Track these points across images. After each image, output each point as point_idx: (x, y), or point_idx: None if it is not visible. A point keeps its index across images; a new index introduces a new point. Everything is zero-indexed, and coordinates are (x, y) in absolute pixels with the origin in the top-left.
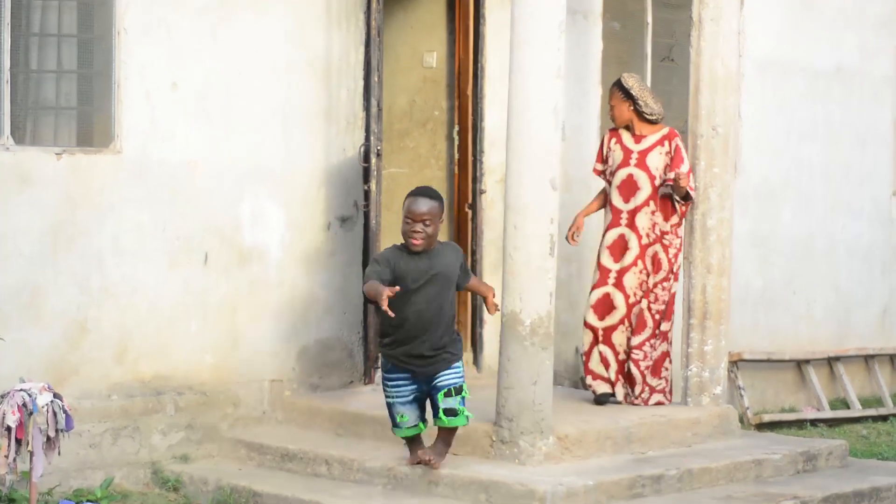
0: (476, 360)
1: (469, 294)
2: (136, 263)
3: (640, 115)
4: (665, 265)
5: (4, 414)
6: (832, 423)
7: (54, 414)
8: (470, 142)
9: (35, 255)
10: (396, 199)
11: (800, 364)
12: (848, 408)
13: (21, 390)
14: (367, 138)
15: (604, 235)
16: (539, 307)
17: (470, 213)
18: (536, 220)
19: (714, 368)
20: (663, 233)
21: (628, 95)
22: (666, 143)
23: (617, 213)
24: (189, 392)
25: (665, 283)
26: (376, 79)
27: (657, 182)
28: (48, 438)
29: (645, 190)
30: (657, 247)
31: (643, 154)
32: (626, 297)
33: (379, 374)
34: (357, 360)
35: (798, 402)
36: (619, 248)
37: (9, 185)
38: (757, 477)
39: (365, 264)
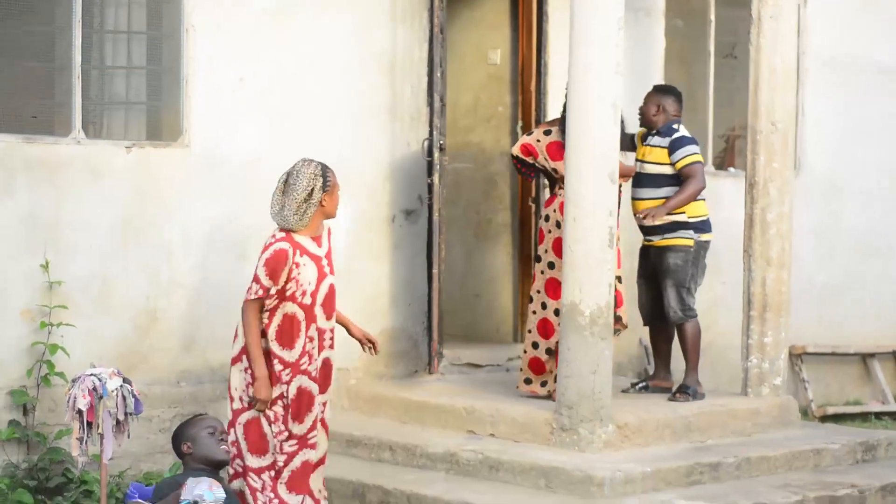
0: None
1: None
2: (203, 255)
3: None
4: None
5: (76, 397)
6: None
7: (123, 398)
8: None
9: (105, 247)
10: (462, 193)
11: (865, 357)
12: None
13: (91, 375)
14: (431, 133)
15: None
16: (598, 298)
17: (533, 206)
18: (595, 213)
19: (774, 360)
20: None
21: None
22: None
23: (322, 335)
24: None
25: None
26: (439, 75)
27: None
28: (118, 422)
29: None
30: None
31: (329, 257)
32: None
33: (443, 364)
34: (421, 351)
35: (863, 395)
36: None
37: (80, 178)
38: (815, 466)
39: (429, 256)
